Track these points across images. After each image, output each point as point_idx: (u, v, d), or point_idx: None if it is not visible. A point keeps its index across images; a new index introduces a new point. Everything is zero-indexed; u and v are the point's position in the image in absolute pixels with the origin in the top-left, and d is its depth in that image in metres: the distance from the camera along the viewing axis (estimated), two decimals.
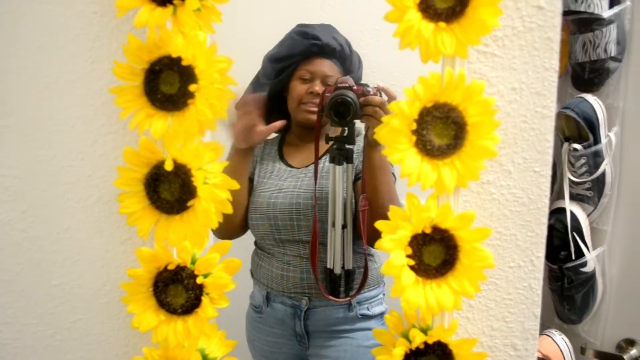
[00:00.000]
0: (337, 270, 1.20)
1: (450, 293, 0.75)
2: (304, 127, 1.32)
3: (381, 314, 1.34)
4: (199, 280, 0.75)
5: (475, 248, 0.74)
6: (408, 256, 0.73)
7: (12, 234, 0.88)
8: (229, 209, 0.76)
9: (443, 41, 0.71)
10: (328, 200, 1.21)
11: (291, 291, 1.28)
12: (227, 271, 0.78)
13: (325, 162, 1.29)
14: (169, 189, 0.75)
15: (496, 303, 0.83)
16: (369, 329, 1.30)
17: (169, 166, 0.72)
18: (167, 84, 0.74)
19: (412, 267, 0.74)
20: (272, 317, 1.32)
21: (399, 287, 0.73)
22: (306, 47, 1.28)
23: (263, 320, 1.34)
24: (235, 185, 0.77)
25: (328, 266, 1.22)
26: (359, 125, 1.20)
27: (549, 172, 0.81)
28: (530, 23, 0.79)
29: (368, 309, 1.31)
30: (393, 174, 1.25)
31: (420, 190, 0.75)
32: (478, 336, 0.84)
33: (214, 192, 0.73)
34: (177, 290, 0.77)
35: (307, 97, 1.29)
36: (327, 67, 1.30)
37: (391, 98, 1.13)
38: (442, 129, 0.73)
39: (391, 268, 0.72)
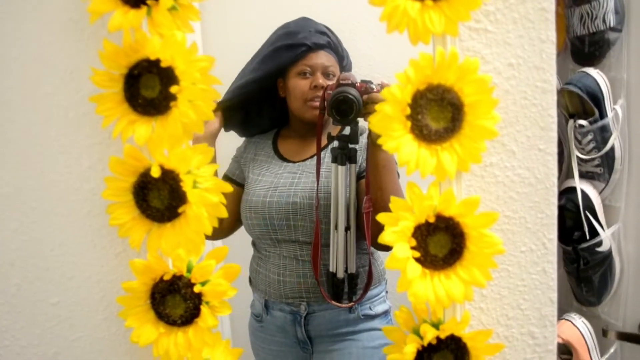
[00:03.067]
0: (340, 274, 1.17)
1: (460, 284, 0.71)
2: (310, 124, 1.27)
3: (384, 313, 1.29)
4: (196, 289, 0.72)
5: (483, 234, 0.71)
6: (413, 248, 0.70)
7: (4, 254, 0.85)
8: (224, 213, 0.73)
9: (431, 19, 0.67)
10: (329, 201, 1.17)
11: (289, 296, 1.24)
12: (226, 277, 0.75)
13: (325, 159, 1.25)
14: (158, 197, 0.72)
15: (510, 291, 0.80)
16: (373, 329, 1.26)
17: (155, 172, 0.69)
18: (147, 87, 0.71)
19: (417, 259, 0.70)
20: (273, 325, 1.29)
21: (405, 281, 0.69)
22: (295, 55, 1.24)
23: (264, 329, 1.31)
24: (229, 188, 0.74)
25: (330, 270, 1.18)
26: (363, 124, 1.16)
27: (554, 149, 0.77)
28: None
29: (370, 309, 1.27)
30: (398, 172, 1.21)
31: (421, 180, 0.72)
32: (493, 327, 0.80)
33: (205, 196, 0.70)
34: (175, 300, 0.74)
35: (311, 93, 1.24)
36: (323, 57, 1.26)
37: None
38: (438, 112, 0.69)
39: (395, 262, 0.69)
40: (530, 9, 0.75)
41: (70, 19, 0.79)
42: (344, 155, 1.14)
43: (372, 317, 1.27)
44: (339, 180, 1.14)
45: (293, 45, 1.24)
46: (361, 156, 1.23)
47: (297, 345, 1.27)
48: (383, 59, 1.67)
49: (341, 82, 1.12)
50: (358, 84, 1.11)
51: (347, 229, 1.17)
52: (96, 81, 0.72)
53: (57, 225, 0.83)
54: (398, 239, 0.69)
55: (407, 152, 0.68)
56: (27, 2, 0.80)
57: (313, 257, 1.18)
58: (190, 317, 0.73)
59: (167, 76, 0.70)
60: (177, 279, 0.73)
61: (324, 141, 1.25)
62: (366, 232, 1.14)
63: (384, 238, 0.70)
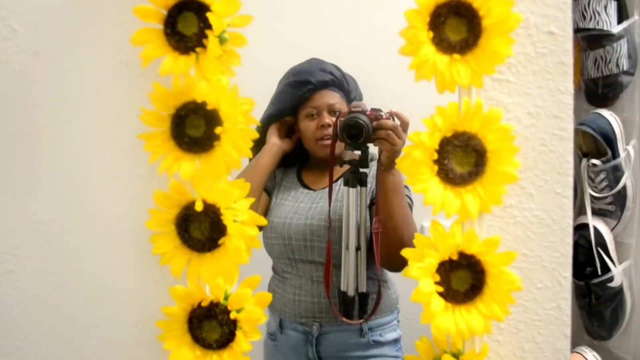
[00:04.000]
0: (351, 292, 1.22)
1: (480, 317, 0.76)
2: (325, 159, 1.35)
3: (394, 340, 1.34)
4: (232, 316, 0.77)
5: (502, 272, 0.75)
6: (436, 283, 0.75)
7: (48, 277, 0.91)
8: (258, 245, 0.78)
9: (458, 72, 0.73)
10: (342, 223, 1.23)
11: (302, 316, 1.29)
12: (259, 305, 0.80)
13: (340, 186, 1.32)
14: (199, 228, 0.78)
15: (526, 325, 0.84)
16: (382, 356, 1.30)
17: (199, 207, 0.75)
18: (193, 127, 0.77)
19: (440, 294, 0.75)
20: (286, 344, 1.34)
21: (428, 314, 0.74)
22: (301, 94, 1.33)
23: (278, 347, 1.36)
24: (264, 222, 0.79)
25: (342, 289, 1.23)
26: (373, 150, 1.22)
27: (570, 193, 0.82)
28: (542, 49, 0.81)
29: (381, 335, 1.31)
30: (409, 197, 1.27)
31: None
32: (509, 359, 0.84)
33: (244, 229, 0.76)
34: (211, 326, 0.79)
35: (319, 132, 1.33)
36: (328, 97, 1.34)
37: (404, 122, 1.16)
38: (463, 157, 0.75)
39: (420, 295, 0.73)
40: (549, 62, 0.80)
41: (120, 62, 0.85)
42: (354, 179, 1.21)
43: (382, 344, 1.31)
44: (350, 202, 1.20)
45: (299, 83, 1.33)
46: (372, 182, 1.29)
47: None
48: (402, 95, 1.73)
49: (352, 109, 1.19)
50: (368, 112, 1.18)
51: (358, 249, 1.23)
52: (145, 120, 0.78)
53: (99, 251, 0.89)
54: (423, 275, 0.74)
55: (433, 194, 0.73)
56: (82, 46, 0.87)
57: (325, 273, 1.23)
58: (225, 341, 0.78)
59: (212, 117, 0.76)
60: (214, 305, 0.78)
61: (340, 171, 1.32)
62: (375, 252, 1.19)
63: (410, 273, 0.74)
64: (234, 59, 0.78)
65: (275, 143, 1.34)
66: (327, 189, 1.33)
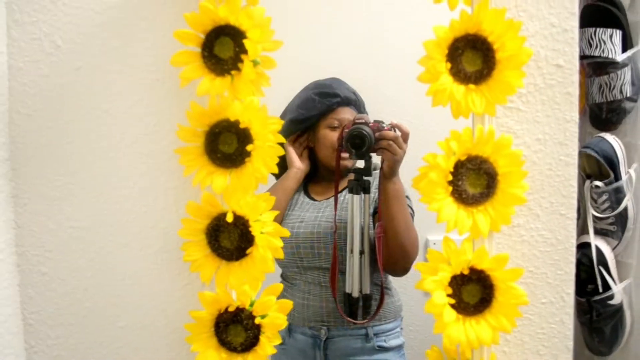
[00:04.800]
0: (355, 294, 1.28)
1: (488, 329, 0.81)
2: (333, 170, 1.41)
3: (398, 347, 1.40)
4: (257, 321, 0.83)
5: (510, 287, 0.81)
6: (448, 295, 0.80)
7: (79, 280, 0.96)
8: (281, 255, 0.84)
9: (474, 101, 0.79)
10: (346, 229, 1.29)
11: (311, 320, 1.35)
12: (281, 311, 0.86)
13: (344, 196, 1.38)
14: (228, 238, 0.83)
15: (530, 337, 0.89)
16: None
17: (230, 218, 0.81)
18: (225, 144, 0.83)
19: (452, 306, 0.81)
20: (294, 348, 1.39)
21: (441, 324, 0.79)
22: (329, 104, 1.41)
23: (286, 352, 1.41)
24: (287, 233, 0.85)
25: (347, 291, 1.29)
26: (377, 160, 1.29)
27: (574, 214, 0.88)
28: (550, 80, 0.87)
29: (385, 341, 1.37)
30: (411, 207, 1.33)
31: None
32: None
33: (270, 240, 0.81)
34: (236, 330, 0.84)
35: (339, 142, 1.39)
36: (348, 114, 1.42)
37: (404, 133, 1.23)
38: (475, 179, 0.80)
39: (434, 307, 0.79)
40: (557, 93, 0.87)
41: (157, 79, 0.92)
42: (358, 186, 1.28)
43: (387, 350, 1.37)
44: (354, 208, 1.27)
45: (327, 94, 1.41)
46: (376, 192, 1.36)
47: None
48: (407, 108, 1.79)
49: (356, 121, 1.27)
50: (371, 124, 1.25)
51: (362, 252, 1.29)
52: (181, 136, 0.84)
53: (130, 257, 0.95)
54: (437, 287, 0.79)
55: (447, 213, 0.79)
56: (121, 62, 0.93)
57: (331, 276, 1.29)
58: (249, 345, 0.84)
59: (244, 135, 0.82)
60: (240, 311, 0.83)
61: (344, 183, 1.38)
62: (378, 255, 1.26)
63: (424, 285, 0.80)
64: (264, 81, 0.84)
65: (299, 169, 1.42)
66: (331, 199, 1.39)
